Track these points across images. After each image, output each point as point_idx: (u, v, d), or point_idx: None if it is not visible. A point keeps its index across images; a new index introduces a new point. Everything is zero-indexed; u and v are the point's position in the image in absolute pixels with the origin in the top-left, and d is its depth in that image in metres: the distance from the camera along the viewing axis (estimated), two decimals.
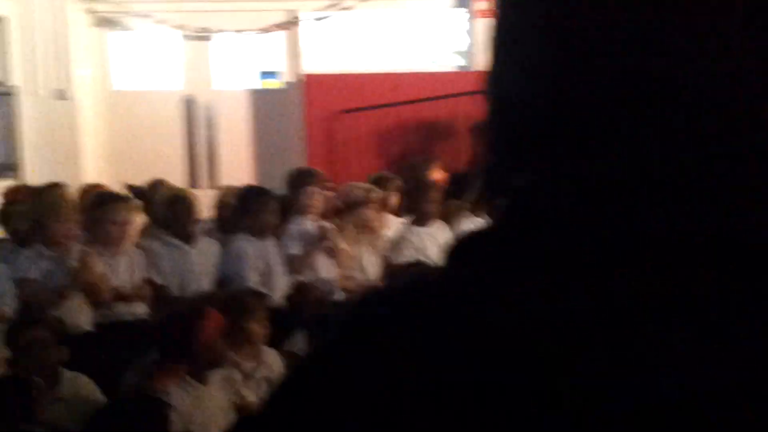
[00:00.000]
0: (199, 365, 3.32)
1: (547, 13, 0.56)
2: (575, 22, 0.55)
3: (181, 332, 3.33)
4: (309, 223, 4.95)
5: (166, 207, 4.69)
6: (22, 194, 4.97)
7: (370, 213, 5.00)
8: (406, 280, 0.64)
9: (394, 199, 5.48)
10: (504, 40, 0.62)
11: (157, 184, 5.15)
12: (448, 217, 5.34)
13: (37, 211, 4.31)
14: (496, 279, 0.55)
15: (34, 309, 4.09)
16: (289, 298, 4.45)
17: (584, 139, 0.55)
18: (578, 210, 0.55)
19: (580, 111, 0.55)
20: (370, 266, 5.07)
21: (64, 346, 3.47)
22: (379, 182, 5.54)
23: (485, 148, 0.63)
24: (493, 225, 0.60)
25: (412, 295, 0.59)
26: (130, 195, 4.93)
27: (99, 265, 4.30)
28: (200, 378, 3.33)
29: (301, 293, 4.31)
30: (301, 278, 4.62)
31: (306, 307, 4.19)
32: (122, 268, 4.43)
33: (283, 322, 4.20)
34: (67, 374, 3.43)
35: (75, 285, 4.13)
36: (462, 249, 0.60)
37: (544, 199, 0.57)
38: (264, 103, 8.43)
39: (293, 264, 4.81)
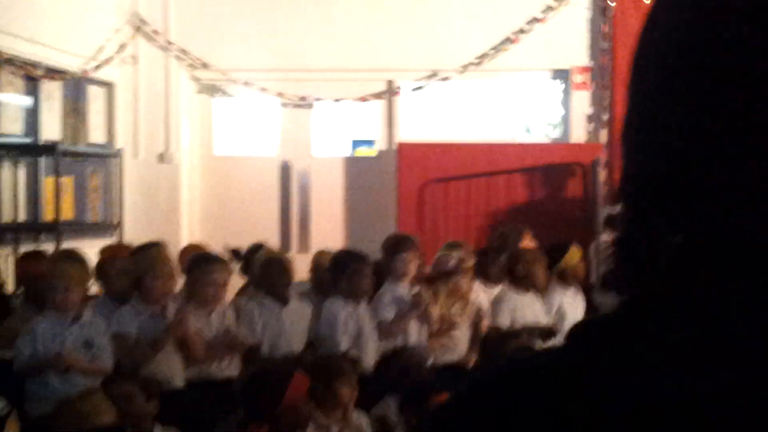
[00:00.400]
0: (282, 427, 3.32)
1: (710, 55, 0.54)
2: (742, 65, 0.52)
3: (265, 393, 3.34)
4: (403, 289, 4.95)
5: (261, 268, 4.77)
6: (121, 251, 5.12)
7: (461, 280, 4.99)
8: (523, 361, 0.63)
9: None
10: (655, 89, 0.60)
11: (257, 247, 5.25)
12: (540, 286, 5.30)
13: (136, 268, 4.43)
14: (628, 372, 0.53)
15: (129, 364, 4.18)
16: (381, 362, 4.44)
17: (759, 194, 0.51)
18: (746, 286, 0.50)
19: (746, 162, 0.51)
20: (459, 332, 5.04)
21: (154, 401, 3.51)
22: (455, 249, 5.54)
23: (623, 209, 0.61)
24: (630, 307, 0.57)
25: (532, 380, 0.57)
26: (230, 256, 5.03)
27: (194, 322, 4.39)
28: None
29: (393, 359, 4.29)
30: (394, 344, 4.60)
31: (398, 373, 4.16)
32: (215, 327, 4.50)
33: (372, 386, 4.19)
34: (159, 429, 3.47)
35: (169, 338, 4.22)
36: (592, 334, 0.58)
37: (701, 266, 0.53)
38: (358, 170, 8.56)
39: (386, 330, 4.81)
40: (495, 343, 4.28)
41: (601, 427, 0.52)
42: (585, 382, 0.54)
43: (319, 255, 5.35)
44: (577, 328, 0.59)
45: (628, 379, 0.52)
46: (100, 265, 4.96)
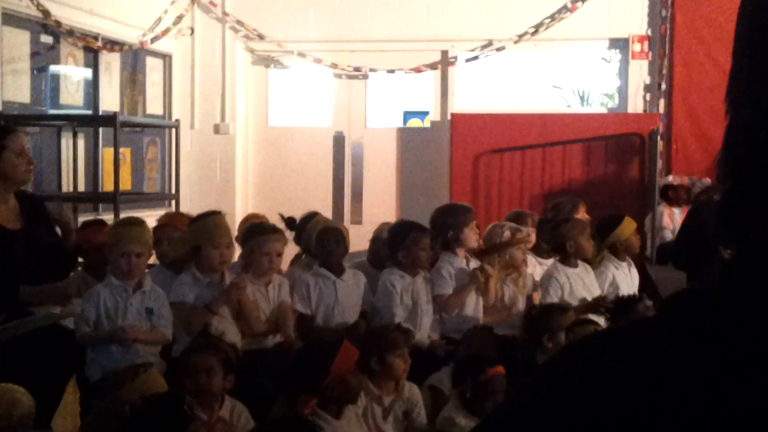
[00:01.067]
0: (330, 398, 3.32)
1: None
2: None
3: (314, 364, 3.34)
4: (460, 261, 4.93)
5: (317, 238, 4.78)
6: (178, 220, 5.16)
7: (515, 252, 4.96)
8: (611, 338, 0.61)
9: (532, 236, 5.43)
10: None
11: (310, 217, 5.27)
12: (591, 259, 5.25)
13: (194, 237, 4.45)
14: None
15: (186, 330, 4.21)
16: (463, 340, 4.40)
17: None
18: None
19: None
20: (513, 305, 5.03)
21: (231, 377, 3.48)
22: (518, 219, 5.51)
23: (728, 181, 0.60)
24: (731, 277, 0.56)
25: (629, 366, 0.56)
26: (284, 225, 5.05)
27: (251, 292, 4.43)
28: (333, 411, 3.33)
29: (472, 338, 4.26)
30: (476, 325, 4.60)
31: (454, 344, 4.17)
32: (271, 298, 4.54)
33: (428, 359, 4.20)
34: (228, 401, 3.48)
35: (225, 301, 4.24)
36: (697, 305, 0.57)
37: None
38: (411, 141, 8.54)
39: (444, 303, 4.80)
40: (540, 316, 4.25)
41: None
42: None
43: (381, 227, 5.34)
44: (674, 301, 0.59)
45: None
46: (157, 233, 5.00)
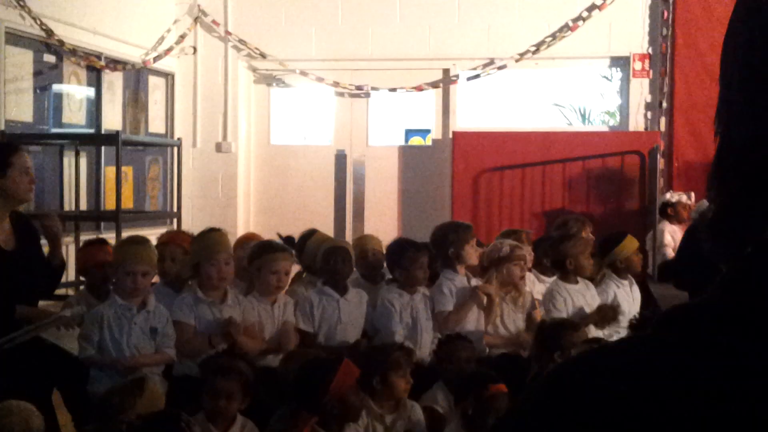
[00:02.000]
0: (331, 416, 3.31)
1: None
2: None
3: (313, 383, 3.33)
4: (461, 279, 4.93)
5: (323, 257, 4.76)
6: (179, 238, 5.16)
7: (513, 268, 4.95)
8: (611, 354, 0.61)
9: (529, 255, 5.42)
10: (759, 74, 0.60)
11: (309, 234, 5.27)
12: (593, 277, 5.25)
13: (194, 255, 4.44)
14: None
15: (186, 353, 4.20)
16: (436, 352, 4.41)
17: None
18: None
19: None
20: (512, 322, 5.01)
21: (248, 397, 3.48)
22: (511, 237, 5.51)
23: (720, 194, 0.60)
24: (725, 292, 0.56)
25: (627, 381, 0.56)
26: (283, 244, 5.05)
27: (252, 313, 4.42)
28: (334, 430, 3.31)
29: (448, 348, 4.26)
30: (450, 333, 4.57)
31: (452, 362, 4.14)
32: (275, 316, 4.54)
33: (426, 376, 4.18)
34: (239, 419, 3.47)
35: (225, 340, 4.24)
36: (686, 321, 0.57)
37: None
38: (412, 159, 8.56)
39: (445, 320, 4.78)
40: (551, 333, 4.24)
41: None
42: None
43: (372, 242, 5.33)
44: (671, 315, 0.59)
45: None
46: (160, 251, 5.00)
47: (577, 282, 5.10)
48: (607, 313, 4.94)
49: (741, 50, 0.62)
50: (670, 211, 7.23)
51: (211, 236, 4.46)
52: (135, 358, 4.00)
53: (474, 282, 4.90)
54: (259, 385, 3.91)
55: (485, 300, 4.83)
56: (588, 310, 4.99)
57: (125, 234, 5.78)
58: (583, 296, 5.04)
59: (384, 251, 5.13)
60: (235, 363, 3.58)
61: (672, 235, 7.06)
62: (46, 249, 4.52)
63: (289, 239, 5.12)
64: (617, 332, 5.06)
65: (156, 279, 4.86)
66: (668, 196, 7.33)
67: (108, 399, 3.26)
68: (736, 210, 0.59)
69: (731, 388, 0.51)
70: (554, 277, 5.25)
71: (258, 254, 4.54)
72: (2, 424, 2.80)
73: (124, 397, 3.23)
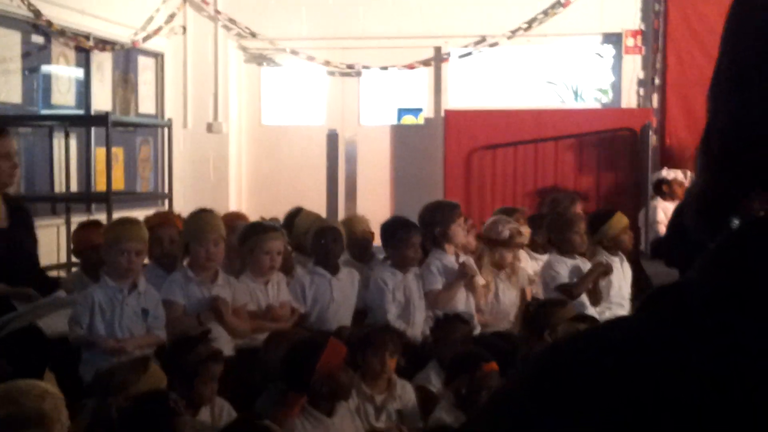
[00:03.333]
0: (320, 396, 3.32)
1: None
2: None
3: (300, 362, 3.34)
4: (450, 258, 4.93)
5: (314, 237, 4.76)
6: (168, 219, 5.15)
7: (506, 253, 4.97)
8: (599, 335, 0.61)
9: (525, 234, 5.42)
10: (745, 57, 0.61)
11: (296, 213, 5.28)
12: (578, 251, 5.26)
13: (185, 235, 4.44)
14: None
15: (176, 332, 4.19)
16: (432, 331, 4.42)
17: None
18: None
19: None
20: (506, 301, 5.03)
21: (218, 374, 3.46)
22: (511, 216, 5.51)
23: (705, 172, 0.61)
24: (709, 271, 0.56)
25: (616, 360, 0.56)
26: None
27: (242, 297, 4.42)
28: (325, 409, 3.32)
29: (444, 328, 4.27)
30: (442, 312, 4.58)
31: (447, 343, 4.15)
32: (271, 295, 4.54)
33: (419, 355, 4.19)
34: (217, 400, 3.46)
35: (213, 318, 4.23)
36: (670, 300, 0.58)
37: None
38: (405, 138, 8.54)
39: (434, 298, 4.79)
40: (539, 312, 4.25)
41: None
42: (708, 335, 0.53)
43: (362, 222, 5.34)
44: (657, 294, 0.59)
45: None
46: (156, 232, 4.99)
47: (574, 258, 5.13)
48: (600, 271, 4.97)
49: (731, 33, 0.63)
50: (665, 189, 7.23)
51: (199, 216, 4.46)
52: (125, 340, 4.00)
53: (462, 259, 4.91)
54: (241, 367, 3.92)
55: (475, 278, 4.83)
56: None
57: (116, 215, 5.75)
58: (580, 270, 5.07)
59: (372, 231, 5.14)
60: (212, 348, 3.57)
61: (665, 213, 7.07)
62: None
63: (273, 221, 5.12)
64: (608, 308, 5.08)
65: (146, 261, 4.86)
66: (663, 173, 7.33)
67: (110, 377, 3.25)
68: (718, 188, 0.60)
69: (719, 364, 0.52)
70: (546, 255, 5.27)
71: (249, 235, 4.54)
72: (12, 407, 2.78)
73: (128, 376, 3.22)
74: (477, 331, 4.79)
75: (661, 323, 0.56)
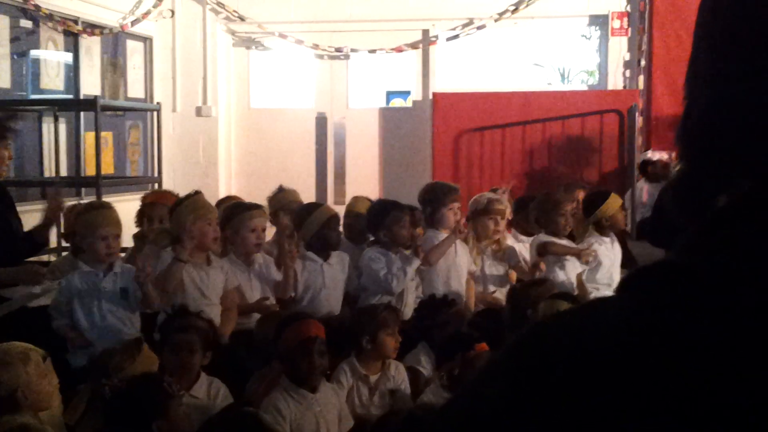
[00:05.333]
0: (294, 370, 3.34)
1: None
2: None
3: (280, 341, 3.37)
4: (443, 235, 4.96)
5: (320, 228, 4.73)
6: (163, 198, 5.17)
7: (487, 222, 5.03)
8: (579, 319, 0.60)
9: (508, 208, 5.48)
10: (722, 41, 0.60)
11: (278, 192, 5.35)
12: (577, 234, 5.33)
13: (178, 215, 4.42)
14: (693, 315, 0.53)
15: (188, 312, 4.20)
16: (417, 312, 4.44)
17: None
18: None
19: None
20: (493, 273, 5.09)
21: (209, 351, 3.49)
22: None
23: (685, 158, 0.60)
24: (688, 252, 0.57)
25: (594, 340, 0.56)
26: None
27: (236, 278, 4.45)
28: (307, 386, 3.36)
29: (429, 310, 4.30)
30: (427, 294, 4.62)
31: (435, 324, 4.18)
32: (254, 276, 4.55)
33: (410, 336, 4.23)
34: (205, 378, 3.48)
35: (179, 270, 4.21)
36: (652, 280, 0.58)
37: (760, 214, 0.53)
38: (393, 120, 8.57)
39: (429, 255, 4.75)
40: (521, 292, 4.31)
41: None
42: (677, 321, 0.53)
43: (354, 203, 5.37)
44: (635, 275, 0.59)
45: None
46: (148, 211, 5.01)
47: (561, 238, 5.18)
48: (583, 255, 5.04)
49: (707, 19, 0.63)
50: (650, 170, 7.29)
51: (191, 199, 4.45)
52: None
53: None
54: (236, 348, 3.95)
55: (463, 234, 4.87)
56: (571, 264, 5.07)
57: (106, 200, 5.76)
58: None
59: None
60: (188, 317, 3.60)
61: (651, 193, 7.13)
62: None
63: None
64: (596, 289, 5.15)
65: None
66: (649, 154, 7.39)
67: (105, 359, 3.28)
68: (695, 173, 0.60)
69: (696, 342, 0.52)
70: (531, 238, 5.33)
71: (232, 215, 4.53)
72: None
73: (123, 358, 3.24)
74: (470, 315, 4.83)
75: (645, 304, 0.56)
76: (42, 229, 4.65)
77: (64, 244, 5.60)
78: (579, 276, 5.06)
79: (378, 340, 3.78)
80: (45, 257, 6.12)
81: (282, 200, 5.32)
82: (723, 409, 0.50)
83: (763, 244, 0.53)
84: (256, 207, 4.62)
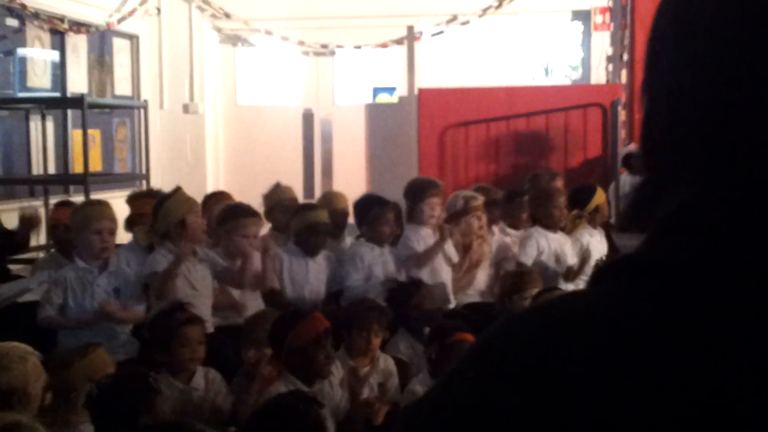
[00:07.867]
0: (295, 370, 3.37)
1: (718, 15, 0.55)
2: (750, 22, 0.53)
3: (278, 336, 3.40)
4: (425, 231, 5.00)
5: (306, 231, 4.74)
6: (150, 198, 5.19)
7: (471, 220, 5.05)
8: (549, 309, 0.60)
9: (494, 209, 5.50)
10: (672, 46, 0.60)
11: (274, 188, 5.39)
12: (569, 227, 5.39)
13: (166, 212, 4.44)
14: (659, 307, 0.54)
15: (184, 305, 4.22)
16: (388, 301, 4.38)
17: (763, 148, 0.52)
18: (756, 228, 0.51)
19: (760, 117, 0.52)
20: (481, 272, 5.13)
21: (204, 346, 3.51)
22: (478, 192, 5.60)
23: (642, 160, 0.62)
24: (649, 247, 0.58)
25: (561, 329, 0.56)
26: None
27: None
28: (304, 378, 3.39)
29: (401, 295, 4.31)
30: (395, 280, 4.64)
31: (409, 309, 4.20)
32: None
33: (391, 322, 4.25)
34: (201, 369, 3.51)
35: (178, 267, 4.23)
36: (617, 271, 0.58)
37: (713, 214, 0.54)
38: (379, 117, 8.63)
39: (416, 260, 4.79)
40: (509, 281, 4.37)
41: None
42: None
43: (336, 198, 5.40)
44: (605, 268, 0.60)
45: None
46: (133, 215, 5.02)
47: (556, 231, 5.23)
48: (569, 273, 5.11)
49: (666, 28, 0.61)
50: (633, 163, 7.37)
51: (177, 195, 4.48)
52: (103, 306, 3.99)
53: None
54: (221, 345, 3.98)
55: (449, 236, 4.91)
56: (564, 258, 5.13)
57: (94, 197, 5.79)
58: (560, 244, 5.17)
59: (348, 208, 5.19)
60: (189, 310, 3.62)
61: (634, 186, 7.21)
62: None
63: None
64: (584, 281, 5.22)
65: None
66: (631, 147, 7.47)
67: (57, 356, 3.28)
68: (653, 183, 0.61)
69: (659, 339, 0.52)
70: (520, 231, 5.38)
71: (228, 218, 4.56)
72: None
73: (72, 357, 3.21)
74: (452, 303, 4.89)
75: (607, 297, 0.56)
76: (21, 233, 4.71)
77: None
78: (570, 267, 5.13)
79: (363, 336, 3.82)
80: (33, 254, 6.15)
81: (277, 197, 5.37)
82: (687, 397, 0.50)
83: (711, 242, 0.54)
84: (252, 214, 4.63)
